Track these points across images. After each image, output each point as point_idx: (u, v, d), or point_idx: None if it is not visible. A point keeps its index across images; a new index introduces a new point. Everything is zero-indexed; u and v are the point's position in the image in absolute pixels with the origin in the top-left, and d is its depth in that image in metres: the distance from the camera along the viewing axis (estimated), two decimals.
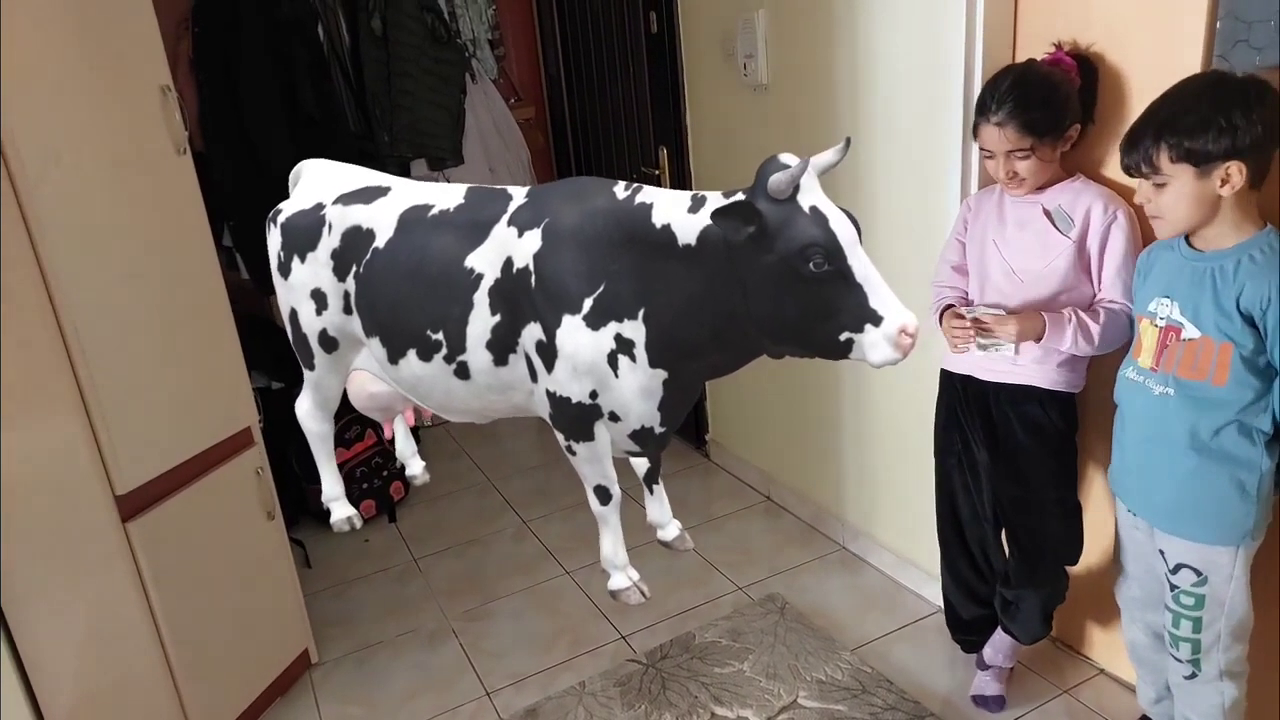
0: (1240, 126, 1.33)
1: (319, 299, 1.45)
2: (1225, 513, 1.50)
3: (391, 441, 1.83)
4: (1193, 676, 1.61)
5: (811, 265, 1.13)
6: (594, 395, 1.30)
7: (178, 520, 1.93)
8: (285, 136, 2.87)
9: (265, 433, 2.22)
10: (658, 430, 1.34)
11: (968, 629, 2.09)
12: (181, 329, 1.95)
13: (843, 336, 1.17)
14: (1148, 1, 1.64)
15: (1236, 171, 1.36)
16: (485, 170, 3.57)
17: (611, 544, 1.47)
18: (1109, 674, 2.10)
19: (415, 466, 1.80)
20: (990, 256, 1.79)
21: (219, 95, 2.84)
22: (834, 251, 1.13)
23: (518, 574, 2.74)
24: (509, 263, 1.29)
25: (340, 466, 1.74)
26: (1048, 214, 1.71)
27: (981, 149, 1.75)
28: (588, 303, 1.25)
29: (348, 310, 1.43)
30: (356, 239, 1.40)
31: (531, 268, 1.27)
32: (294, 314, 1.49)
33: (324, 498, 1.69)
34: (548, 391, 1.32)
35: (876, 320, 1.14)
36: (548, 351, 1.29)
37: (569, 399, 1.30)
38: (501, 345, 1.32)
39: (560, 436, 1.38)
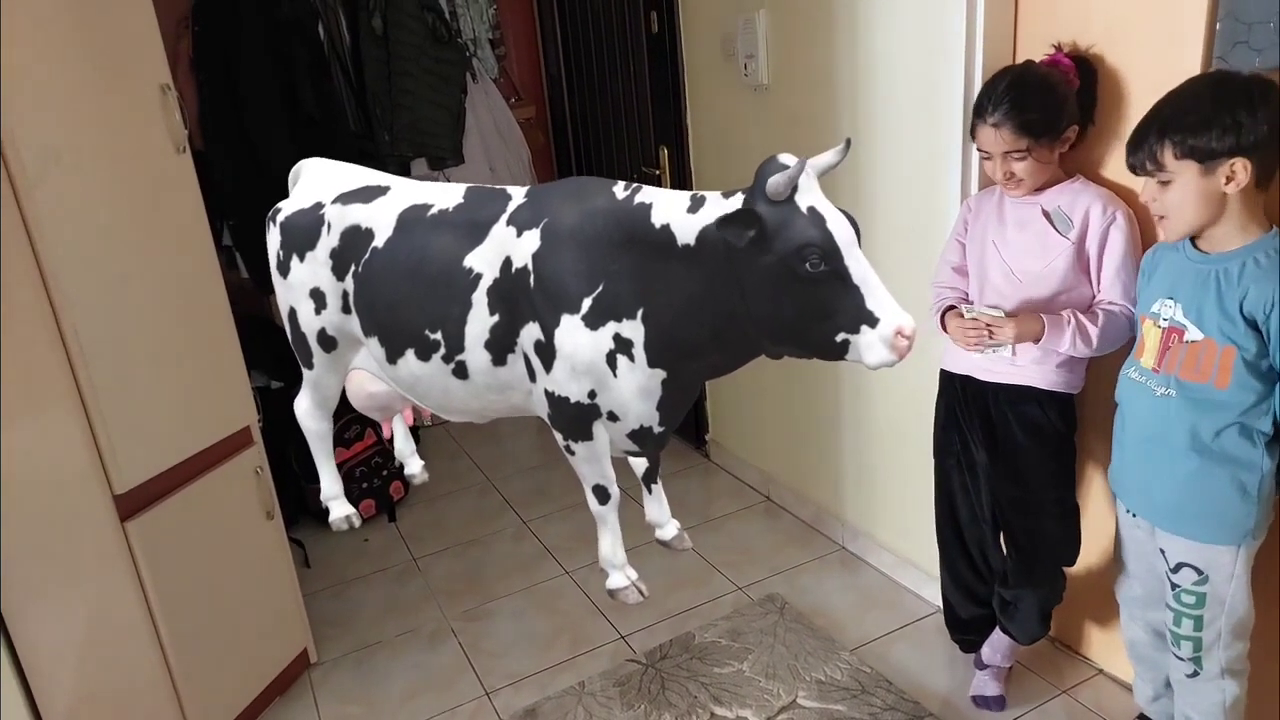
0: (1245, 124, 1.33)
1: (318, 298, 1.45)
2: (1226, 513, 1.50)
3: (391, 441, 1.83)
4: (1194, 675, 1.61)
5: (808, 266, 1.13)
6: (592, 395, 1.30)
7: (176, 520, 1.93)
8: (285, 136, 2.88)
9: (264, 432, 2.22)
10: (656, 430, 1.34)
11: (966, 629, 2.09)
12: (180, 328, 1.95)
13: (839, 337, 1.17)
14: (1147, 3, 1.64)
15: (1242, 169, 1.36)
16: (485, 170, 3.57)
17: (610, 543, 1.47)
18: (1107, 674, 2.10)
19: (414, 466, 1.79)
20: (990, 257, 1.79)
21: (219, 94, 2.84)
22: (831, 252, 1.13)
23: (517, 574, 2.74)
24: (508, 262, 1.29)
25: (339, 466, 1.74)
26: (1047, 215, 1.71)
27: (979, 150, 1.75)
28: (586, 302, 1.25)
29: (346, 310, 1.43)
30: (355, 238, 1.40)
31: (530, 267, 1.27)
32: (293, 313, 1.49)
33: (323, 497, 1.69)
34: (546, 391, 1.32)
35: (873, 322, 1.14)
36: (546, 351, 1.29)
37: (567, 399, 1.30)
38: (500, 345, 1.32)
39: (559, 436, 1.38)
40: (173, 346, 1.93)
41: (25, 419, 1.65)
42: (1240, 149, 1.34)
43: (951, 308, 1.81)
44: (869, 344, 1.15)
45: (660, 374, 1.28)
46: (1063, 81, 1.67)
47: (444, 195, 1.39)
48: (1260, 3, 1.47)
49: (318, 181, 1.51)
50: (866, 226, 1.22)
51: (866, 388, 2.45)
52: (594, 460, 1.38)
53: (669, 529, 1.65)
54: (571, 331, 1.25)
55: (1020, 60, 1.84)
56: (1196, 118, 1.36)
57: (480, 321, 1.31)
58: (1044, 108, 1.64)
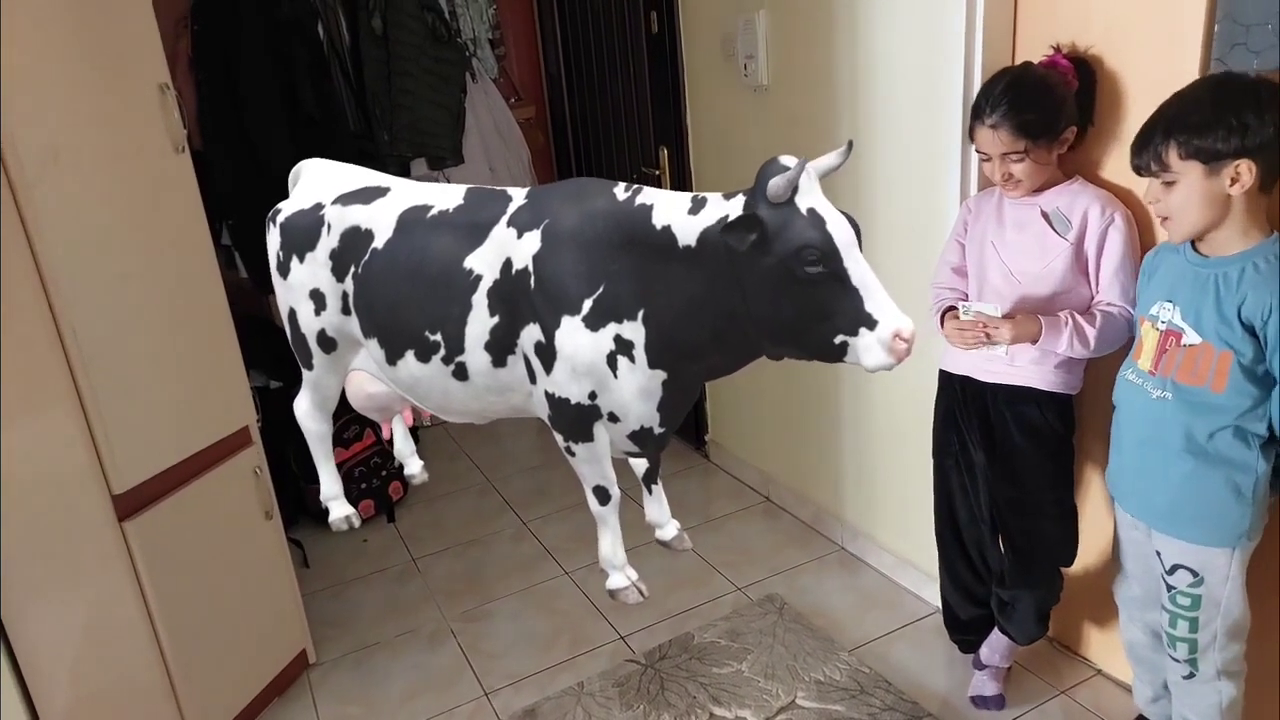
0: (1251, 126, 1.33)
1: (317, 299, 1.45)
2: (1221, 515, 1.50)
3: (390, 441, 1.83)
4: (1191, 676, 1.61)
5: (807, 267, 1.12)
6: (593, 396, 1.30)
7: (175, 520, 1.93)
8: (285, 136, 2.87)
9: (263, 432, 2.22)
10: (657, 431, 1.34)
11: (965, 629, 2.09)
12: (179, 328, 1.95)
13: (837, 339, 1.17)
14: (1146, 4, 1.64)
15: (1247, 170, 1.35)
16: (485, 170, 3.57)
17: (610, 544, 1.47)
18: (1106, 674, 2.10)
19: (414, 466, 1.79)
20: (989, 258, 1.79)
21: (218, 94, 2.84)
22: (829, 253, 1.13)
23: (516, 574, 2.74)
24: (508, 264, 1.29)
25: (339, 466, 1.73)
26: (1045, 216, 1.71)
27: (978, 151, 1.75)
28: (587, 304, 1.25)
29: (346, 311, 1.43)
30: (355, 239, 1.40)
31: (531, 269, 1.27)
32: (293, 314, 1.49)
33: (322, 497, 1.69)
34: (546, 393, 1.32)
35: (871, 324, 1.14)
36: (546, 353, 1.29)
37: (568, 400, 1.30)
38: (500, 346, 1.32)
39: (559, 438, 1.38)
40: (171, 346, 1.93)
41: (24, 419, 1.65)
42: (1245, 150, 1.34)
43: (951, 308, 1.81)
44: (867, 346, 1.15)
45: (661, 375, 1.28)
46: (1061, 83, 1.67)
47: (444, 196, 1.39)
48: (1259, 5, 1.47)
49: (318, 182, 1.51)
50: (866, 227, 1.22)
51: (866, 388, 2.45)
52: (594, 461, 1.38)
53: (669, 529, 1.65)
54: (572, 333, 1.25)
55: (1020, 61, 1.84)
56: (1202, 118, 1.36)
57: (480, 323, 1.31)
58: (1042, 109, 1.64)
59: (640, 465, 1.61)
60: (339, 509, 1.68)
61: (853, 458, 2.59)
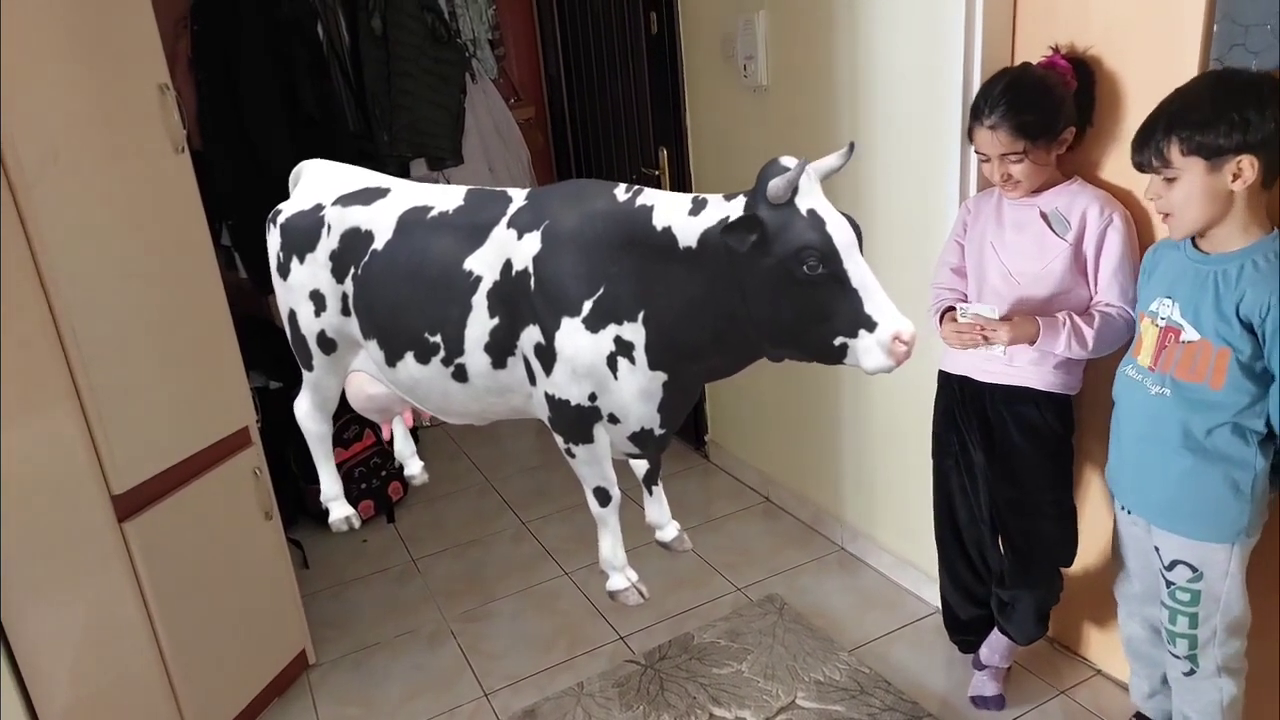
0: (1253, 121, 1.33)
1: (317, 300, 1.45)
2: (1220, 511, 1.51)
3: (390, 442, 1.83)
4: (1191, 673, 1.61)
5: (806, 268, 1.12)
6: (593, 398, 1.30)
7: (175, 520, 1.93)
8: (285, 136, 2.87)
9: (263, 433, 2.22)
10: (657, 432, 1.34)
11: (965, 629, 2.10)
12: (179, 328, 1.95)
13: (837, 341, 1.16)
14: (1146, 5, 1.65)
15: (1248, 166, 1.35)
16: (485, 170, 3.57)
17: (610, 545, 1.47)
18: (1105, 674, 2.11)
19: (414, 467, 1.79)
20: (988, 259, 1.79)
21: (218, 94, 2.84)
22: (829, 255, 1.13)
23: (516, 575, 2.74)
24: (508, 265, 1.29)
25: (339, 467, 1.74)
26: (1044, 216, 1.72)
27: (977, 152, 1.75)
28: (587, 305, 1.25)
29: (346, 312, 1.43)
30: (355, 240, 1.40)
31: (531, 270, 1.27)
32: (293, 315, 1.49)
33: (322, 497, 1.69)
34: (546, 394, 1.32)
35: (871, 326, 1.14)
36: (546, 354, 1.29)
37: (568, 401, 1.30)
38: (500, 348, 1.32)
39: (559, 439, 1.38)
40: (171, 347, 1.93)
41: (23, 419, 1.65)
42: (1247, 146, 1.34)
43: (950, 309, 1.81)
44: (866, 348, 1.15)
45: (661, 376, 1.28)
46: (1060, 83, 1.67)
47: (444, 197, 1.39)
48: (1258, 5, 1.47)
49: (318, 183, 1.51)
50: (866, 227, 1.22)
51: (866, 389, 2.45)
52: (595, 463, 1.38)
53: (669, 530, 1.65)
54: (572, 334, 1.25)
55: (1019, 62, 1.84)
56: (1203, 114, 1.36)
57: (480, 324, 1.31)
58: (1040, 110, 1.64)
59: (640, 466, 1.61)
60: (339, 509, 1.68)
61: (853, 458, 2.59)
